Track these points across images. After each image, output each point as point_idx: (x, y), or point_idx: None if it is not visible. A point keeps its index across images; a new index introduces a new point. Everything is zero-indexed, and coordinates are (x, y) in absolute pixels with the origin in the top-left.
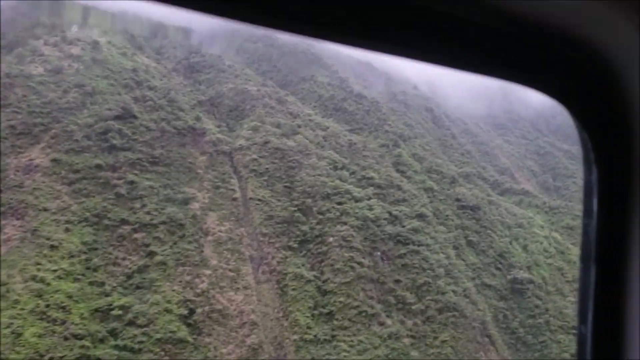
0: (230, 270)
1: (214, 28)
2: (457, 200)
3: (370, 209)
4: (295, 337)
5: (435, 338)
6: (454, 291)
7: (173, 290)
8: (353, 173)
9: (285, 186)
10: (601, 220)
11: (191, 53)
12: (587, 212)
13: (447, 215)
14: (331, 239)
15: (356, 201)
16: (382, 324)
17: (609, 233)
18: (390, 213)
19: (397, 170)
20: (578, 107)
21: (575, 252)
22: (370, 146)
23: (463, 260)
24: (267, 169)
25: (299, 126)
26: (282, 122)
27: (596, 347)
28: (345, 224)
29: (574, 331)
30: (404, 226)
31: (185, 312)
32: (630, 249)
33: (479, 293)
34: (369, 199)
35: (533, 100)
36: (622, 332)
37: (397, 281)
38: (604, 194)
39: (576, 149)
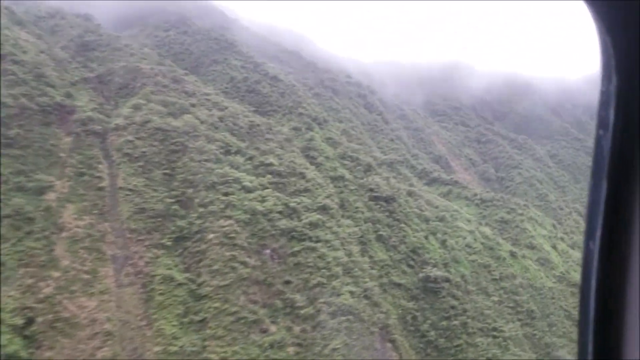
0: (85, 272)
1: (125, 16)
2: (371, 190)
3: (263, 200)
4: (158, 348)
5: (326, 346)
6: (351, 292)
7: (9, 296)
8: (250, 159)
9: (165, 173)
10: (617, 132)
11: (87, 32)
12: (602, 123)
13: (356, 207)
14: (211, 236)
15: (247, 191)
16: (264, 331)
17: (624, 146)
18: (286, 205)
19: (306, 156)
20: (602, 8)
21: (506, 248)
22: (276, 129)
23: (370, 257)
24: (144, 152)
25: (193, 105)
26: (171, 101)
27: (603, 263)
28: (230, 218)
29: (495, 333)
30: (301, 220)
31: (22, 321)
32: None
33: (385, 293)
34: (264, 188)
35: (477, 88)
36: (630, 249)
37: (287, 282)
38: (622, 105)
39: (522, 138)
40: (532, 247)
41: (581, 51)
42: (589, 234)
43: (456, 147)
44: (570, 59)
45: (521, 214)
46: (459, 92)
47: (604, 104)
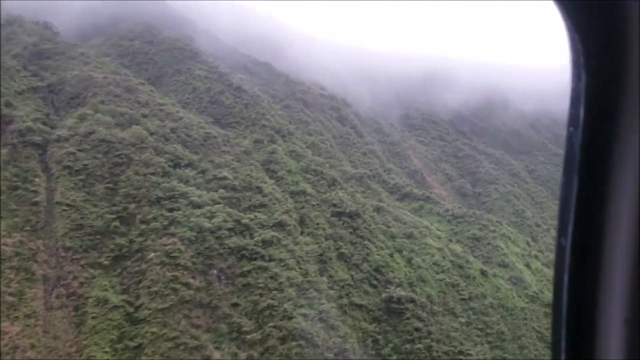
0: (10, 293)
1: (92, 25)
2: (334, 205)
3: (212, 216)
4: None
5: None
6: (304, 315)
7: None
8: (202, 172)
9: (107, 187)
10: (587, 129)
11: (43, 40)
12: (572, 120)
13: (317, 224)
14: (152, 255)
15: (195, 207)
16: (206, 358)
17: (594, 143)
18: (238, 222)
19: (267, 170)
20: (569, 5)
21: (477, 267)
22: (235, 141)
23: (330, 276)
24: (85, 165)
25: (144, 116)
26: (121, 111)
27: (575, 259)
28: (174, 235)
29: (461, 357)
30: (253, 237)
31: None
32: (615, 159)
33: (345, 315)
34: (214, 204)
35: (455, 102)
36: (602, 244)
37: (235, 305)
38: (592, 102)
39: (500, 153)
40: (504, 265)
41: (561, 66)
42: (561, 231)
43: (433, 161)
44: (550, 73)
45: (493, 231)
46: (437, 106)
47: (574, 101)
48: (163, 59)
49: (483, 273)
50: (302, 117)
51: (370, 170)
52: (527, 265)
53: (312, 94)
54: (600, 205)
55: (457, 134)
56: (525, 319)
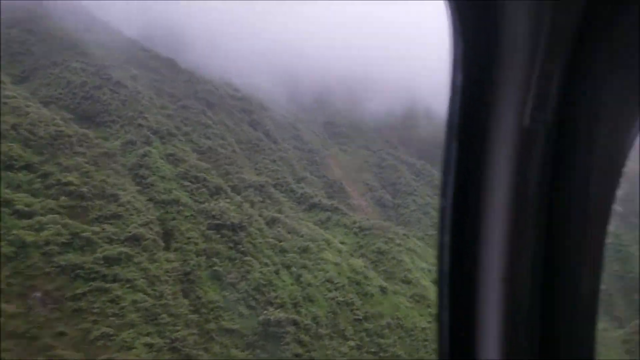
0: None
1: None
2: (213, 217)
3: (41, 229)
4: None
5: None
6: (149, 345)
7: None
8: (42, 176)
9: None
10: (465, 95)
11: None
12: (452, 87)
13: (188, 238)
14: None
15: (20, 217)
16: None
17: (471, 108)
18: (77, 235)
19: (134, 175)
20: None
21: (377, 283)
22: (95, 141)
23: (197, 297)
24: None
25: None
26: None
27: (455, 220)
28: None
29: None
30: (94, 254)
31: None
32: (491, 123)
33: (210, 342)
34: (48, 213)
35: (382, 111)
36: (480, 204)
37: (61, 334)
38: (468, 70)
39: (421, 163)
40: (407, 281)
41: None
42: (443, 193)
43: (355, 171)
44: None
45: (399, 244)
46: (363, 114)
47: (453, 69)
48: (40, 49)
49: (382, 290)
50: (201, 119)
51: (277, 179)
52: (434, 282)
53: (219, 94)
54: (477, 168)
55: (383, 143)
56: (425, 340)
